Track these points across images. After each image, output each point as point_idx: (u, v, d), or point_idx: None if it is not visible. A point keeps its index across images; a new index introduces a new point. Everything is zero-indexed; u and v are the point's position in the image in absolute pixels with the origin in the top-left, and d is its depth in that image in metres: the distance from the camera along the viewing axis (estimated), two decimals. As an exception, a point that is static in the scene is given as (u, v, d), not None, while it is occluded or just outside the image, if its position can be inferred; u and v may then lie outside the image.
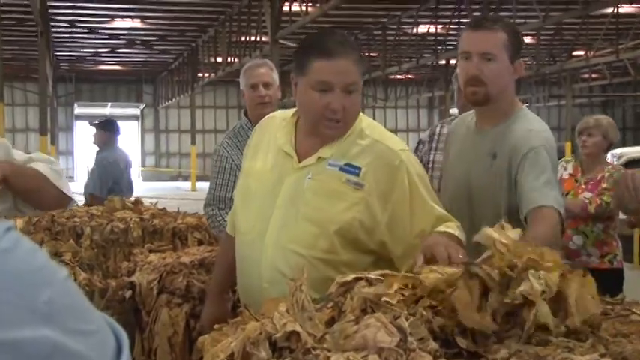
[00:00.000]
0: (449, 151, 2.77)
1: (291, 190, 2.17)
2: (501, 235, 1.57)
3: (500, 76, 2.49)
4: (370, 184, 2.18)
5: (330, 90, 2.13)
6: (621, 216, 3.54)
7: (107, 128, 7.24)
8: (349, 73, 2.14)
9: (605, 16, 19.08)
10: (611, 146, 4.66)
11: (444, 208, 2.29)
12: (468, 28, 2.54)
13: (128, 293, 2.90)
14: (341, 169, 2.19)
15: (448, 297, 1.56)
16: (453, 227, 2.20)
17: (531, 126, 2.56)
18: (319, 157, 2.21)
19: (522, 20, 18.34)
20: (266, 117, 2.47)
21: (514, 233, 1.62)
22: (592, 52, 20.72)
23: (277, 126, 2.33)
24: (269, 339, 1.48)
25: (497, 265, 1.50)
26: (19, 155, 2.61)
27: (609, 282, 3.97)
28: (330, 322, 1.59)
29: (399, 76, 29.81)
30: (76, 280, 2.96)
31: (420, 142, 3.80)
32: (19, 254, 0.73)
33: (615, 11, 18.70)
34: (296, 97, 2.24)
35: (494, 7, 16.62)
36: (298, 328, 1.47)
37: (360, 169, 2.19)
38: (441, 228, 2.17)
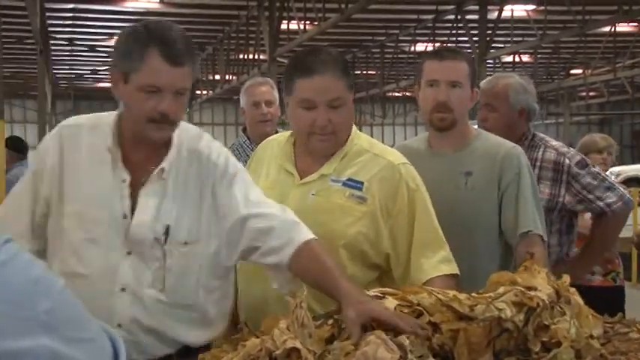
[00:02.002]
0: None
1: (294, 206, 2.17)
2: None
3: (464, 103, 2.66)
4: (373, 197, 2.22)
5: (313, 107, 2.17)
6: (623, 234, 3.53)
7: (12, 147, 7.47)
8: (330, 89, 2.17)
9: (603, 34, 19.16)
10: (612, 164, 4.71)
11: None
12: (433, 58, 2.67)
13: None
14: (344, 184, 2.23)
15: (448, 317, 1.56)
16: (450, 265, 2.22)
17: (505, 143, 2.72)
18: (322, 174, 2.24)
19: (520, 39, 18.44)
20: (266, 140, 2.51)
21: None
22: (590, 71, 20.81)
23: (276, 146, 2.38)
24: (269, 356, 1.47)
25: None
26: None
27: (612, 300, 3.96)
28: (330, 340, 1.58)
29: (396, 94, 29.90)
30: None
31: None
32: (16, 266, 0.74)
33: (613, 30, 18.79)
34: (287, 117, 2.28)
35: (491, 25, 16.70)
36: (298, 345, 1.47)
37: (362, 183, 2.23)
38: (442, 268, 2.19)
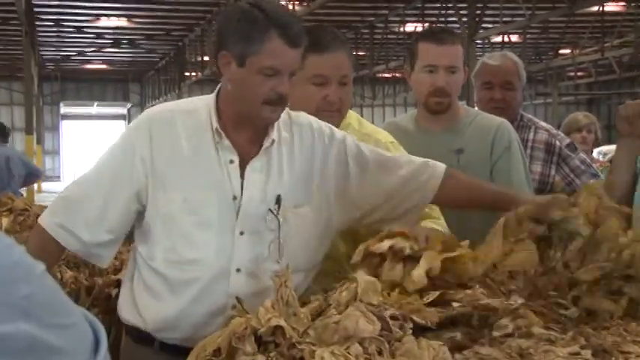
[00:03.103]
0: None
1: None
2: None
3: (459, 86, 2.70)
4: None
5: (325, 83, 2.21)
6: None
7: None
8: (342, 65, 2.24)
9: (591, 14, 19.17)
10: (596, 143, 4.74)
11: None
12: (430, 41, 2.64)
13: (114, 291, 2.89)
14: None
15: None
16: (440, 225, 2.27)
17: (494, 118, 2.75)
18: None
19: (509, 19, 18.42)
20: None
21: None
22: (578, 51, 20.83)
23: None
24: (254, 334, 1.49)
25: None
26: None
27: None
28: (319, 316, 1.61)
29: (386, 75, 29.85)
30: (62, 278, 2.95)
31: None
32: None
33: (601, 9, 18.80)
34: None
35: (480, 5, 16.67)
36: (283, 323, 1.49)
37: None
38: (428, 223, 2.22)
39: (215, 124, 1.94)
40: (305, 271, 2.03)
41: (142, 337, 2.00)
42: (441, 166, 2.11)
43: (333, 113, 2.25)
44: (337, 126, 2.29)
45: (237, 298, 1.76)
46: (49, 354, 0.74)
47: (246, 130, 1.97)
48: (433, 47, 2.63)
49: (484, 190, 2.18)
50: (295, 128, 2.04)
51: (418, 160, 2.12)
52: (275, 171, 1.98)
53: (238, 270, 1.94)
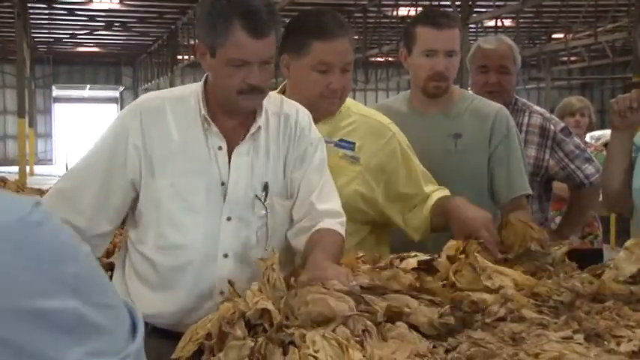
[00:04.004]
0: None
1: None
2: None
3: (457, 69, 2.68)
4: (365, 157, 2.31)
5: (329, 70, 2.20)
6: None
7: None
8: (348, 53, 2.24)
9: (585, -2, 19.14)
10: (589, 127, 4.73)
11: None
12: (429, 26, 2.61)
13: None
14: (336, 144, 2.29)
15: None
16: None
17: (491, 103, 2.74)
18: None
19: (502, 3, 18.37)
20: None
21: None
22: (571, 35, 20.80)
23: None
24: (243, 317, 1.49)
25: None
26: None
27: (590, 262, 4.02)
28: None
29: (379, 59, 29.78)
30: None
31: None
32: (49, 228, 0.76)
33: (594, -6, 18.75)
34: (290, 78, 2.28)
35: (474, -11, 16.60)
36: (270, 306, 1.49)
37: (354, 143, 2.31)
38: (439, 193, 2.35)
39: (203, 111, 1.94)
40: (291, 260, 2.03)
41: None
42: (338, 228, 2.00)
43: (334, 100, 2.26)
44: (336, 111, 2.30)
45: (230, 281, 1.76)
46: (95, 331, 0.76)
47: (233, 117, 1.97)
48: (432, 31, 2.61)
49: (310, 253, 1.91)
50: (283, 117, 2.03)
51: (337, 211, 2.04)
52: (262, 156, 1.98)
53: (226, 255, 1.94)
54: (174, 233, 1.94)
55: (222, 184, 1.94)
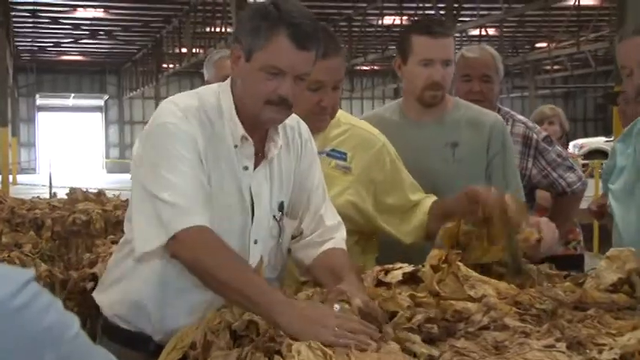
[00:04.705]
0: None
1: None
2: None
3: (452, 78, 2.67)
4: (356, 167, 2.31)
5: (321, 88, 2.19)
6: (583, 206, 3.62)
7: None
8: (339, 70, 2.23)
9: (567, 8, 19.30)
10: (564, 135, 4.77)
11: None
12: (425, 35, 2.58)
13: (90, 285, 2.87)
14: (328, 154, 2.29)
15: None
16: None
17: (488, 112, 2.75)
18: None
19: (486, 12, 18.50)
20: None
21: None
22: (554, 44, 20.96)
23: None
24: (229, 328, 1.48)
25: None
26: None
27: (572, 267, 4.05)
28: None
29: (364, 68, 29.86)
30: (36, 271, 2.92)
31: None
32: (32, 312, 0.74)
33: (577, 3, 18.93)
34: None
35: (458, -2, 16.70)
36: (256, 318, 1.48)
37: (345, 153, 2.31)
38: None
39: (241, 131, 1.85)
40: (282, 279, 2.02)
41: (137, 339, 1.92)
42: (339, 244, 1.96)
43: (325, 117, 2.26)
44: (326, 128, 2.29)
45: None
46: None
47: (257, 132, 1.90)
48: (428, 41, 2.59)
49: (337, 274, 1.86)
50: (289, 129, 1.99)
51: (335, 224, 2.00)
52: (276, 177, 1.94)
53: None
54: None
55: (249, 205, 1.88)
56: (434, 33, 2.59)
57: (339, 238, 1.96)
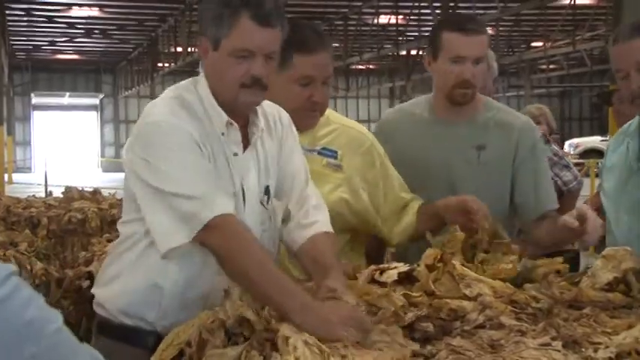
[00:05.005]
0: (394, 144, 2.63)
1: None
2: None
3: (483, 76, 2.59)
4: (348, 165, 2.33)
5: (310, 83, 2.20)
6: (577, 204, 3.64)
7: None
8: (328, 66, 2.23)
9: (563, 7, 19.32)
10: (551, 134, 4.80)
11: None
12: (456, 31, 2.51)
13: (85, 283, 2.87)
14: (319, 153, 2.31)
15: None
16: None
17: (518, 115, 2.69)
18: None
19: (481, 11, 18.50)
20: None
21: None
22: (550, 44, 20.98)
23: None
24: (223, 326, 1.49)
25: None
26: None
27: (568, 263, 4.06)
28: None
29: (360, 67, 29.85)
30: (31, 270, 2.92)
31: None
32: (13, 305, 0.74)
33: (572, 2, 18.95)
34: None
35: (454, -3, 16.70)
36: (249, 315, 1.49)
37: (336, 151, 2.33)
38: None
39: (225, 117, 1.88)
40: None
41: (134, 334, 1.92)
42: (324, 227, 1.97)
43: (315, 113, 2.26)
44: (316, 124, 2.30)
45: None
46: None
47: (239, 119, 1.92)
48: (459, 37, 2.51)
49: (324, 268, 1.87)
50: (269, 117, 2.01)
51: (322, 215, 2.01)
52: (262, 161, 1.96)
53: None
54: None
55: (241, 191, 1.90)
56: (465, 29, 2.51)
57: (324, 221, 1.98)
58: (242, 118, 1.93)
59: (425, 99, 2.71)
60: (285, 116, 2.06)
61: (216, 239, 1.74)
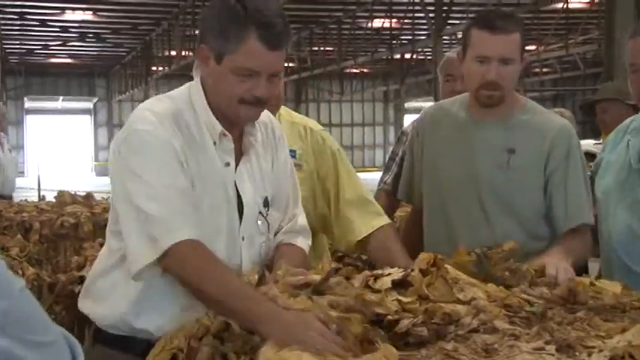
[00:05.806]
0: (432, 141, 2.59)
1: None
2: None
3: (514, 78, 2.44)
4: (307, 163, 2.38)
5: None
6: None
7: None
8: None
9: (556, 11, 19.39)
10: None
11: (443, 199, 2.48)
12: (483, 29, 2.39)
13: (78, 288, 2.85)
14: None
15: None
16: (380, 218, 2.40)
17: (556, 119, 2.53)
18: None
19: (475, 15, 18.52)
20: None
21: None
22: (543, 47, 21.03)
23: None
24: (207, 330, 1.49)
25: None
26: None
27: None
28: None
29: (354, 70, 29.87)
30: (23, 275, 2.91)
31: (402, 132, 3.75)
32: None
33: (565, 6, 19.01)
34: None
35: (447, 0, 16.74)
36: (230, 321, 1.49)
37: (295, 151, 2.33)
38: (373, 224, 2.36)
39: (219, 128, 1.84)
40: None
41: (128, 343, 1.89)
42: (304, 245, 2.01)
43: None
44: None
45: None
46: None
47: (235, 129, 1.89)
48: (486, 36, 2.37)
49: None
50: (262, 126, 1.98)
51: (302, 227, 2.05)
52: (257, 172, 1.93)
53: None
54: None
55: (236, 202, 1.87)
56: (493, 27, 2.37)
57: (304, 241, 2.00)
58: (237, 129, 1.90)
59: (461, 97, 2.59)
60: (277, 125, 2.04)
61: (174, 267, 1.72)
